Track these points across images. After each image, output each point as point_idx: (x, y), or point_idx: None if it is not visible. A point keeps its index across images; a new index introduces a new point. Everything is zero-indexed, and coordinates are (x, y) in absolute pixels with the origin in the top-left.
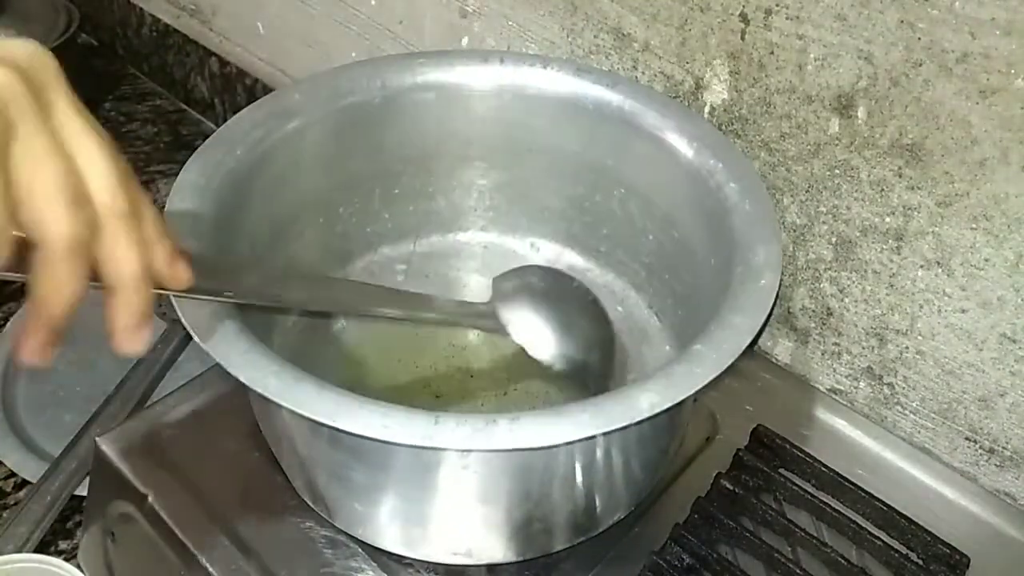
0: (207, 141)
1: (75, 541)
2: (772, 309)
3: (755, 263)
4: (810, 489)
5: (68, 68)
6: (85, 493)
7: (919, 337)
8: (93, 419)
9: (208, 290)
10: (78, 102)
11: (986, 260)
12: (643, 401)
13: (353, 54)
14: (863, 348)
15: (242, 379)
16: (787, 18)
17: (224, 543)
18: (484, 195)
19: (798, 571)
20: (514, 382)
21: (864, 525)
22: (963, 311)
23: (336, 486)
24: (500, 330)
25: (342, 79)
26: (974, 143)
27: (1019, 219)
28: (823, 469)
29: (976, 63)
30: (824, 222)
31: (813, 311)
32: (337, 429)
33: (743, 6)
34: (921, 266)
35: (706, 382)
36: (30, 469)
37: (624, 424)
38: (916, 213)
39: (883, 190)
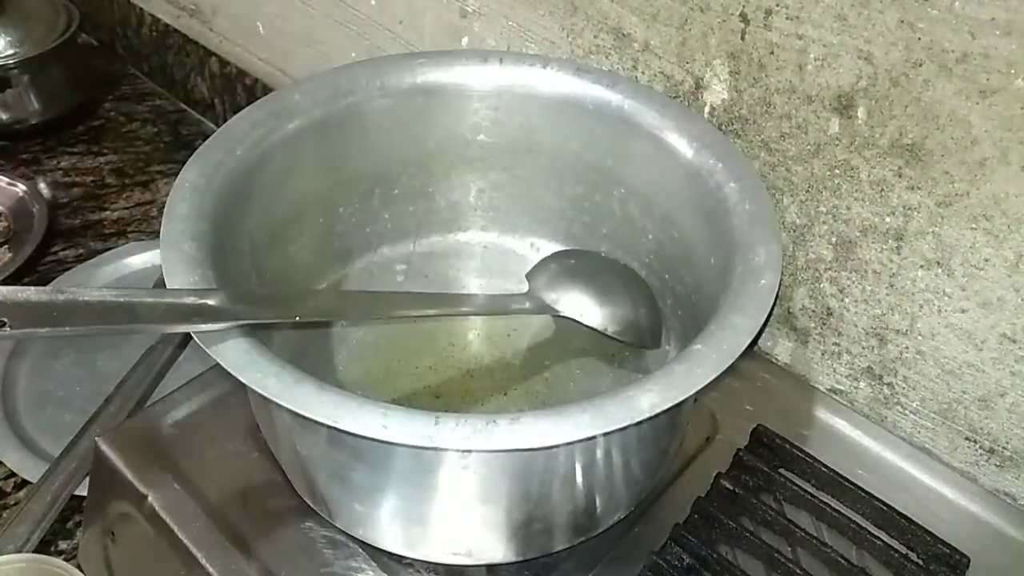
0: (207, 141)
1: (75, 541)
2: (772, 309)
3: (755, 263)
4: (810, 489)
5: (68, 68)
6: (85, 493)
7: (919, 337)
8: (93, 419)
9: (276, 317)
10: None
11: (986, 260)
12: (643, 401)
13: (353, 54)
14: (863, 348)
15: (242, 379)
16: (787, 18)
17: (224, 543)
18: (484, 195)
19: (798, 571)
20: (514, 382)
21: (864, 525)
22: (963, 311)
23: (336, 486)
24: (548, 310)
25: (342, 79)
26: (974, 143)
27: (1019, 219)
28: (823, 469)
29: (976, 63)
30: (824, 222)
31: (813, 311)
32: (337, 429)
33: (743, 6)
34: (921, 266)
35: (706, 382)
36: (30, 469)
37: (624, 424)
38: (916, 213)
39: (883, 190)
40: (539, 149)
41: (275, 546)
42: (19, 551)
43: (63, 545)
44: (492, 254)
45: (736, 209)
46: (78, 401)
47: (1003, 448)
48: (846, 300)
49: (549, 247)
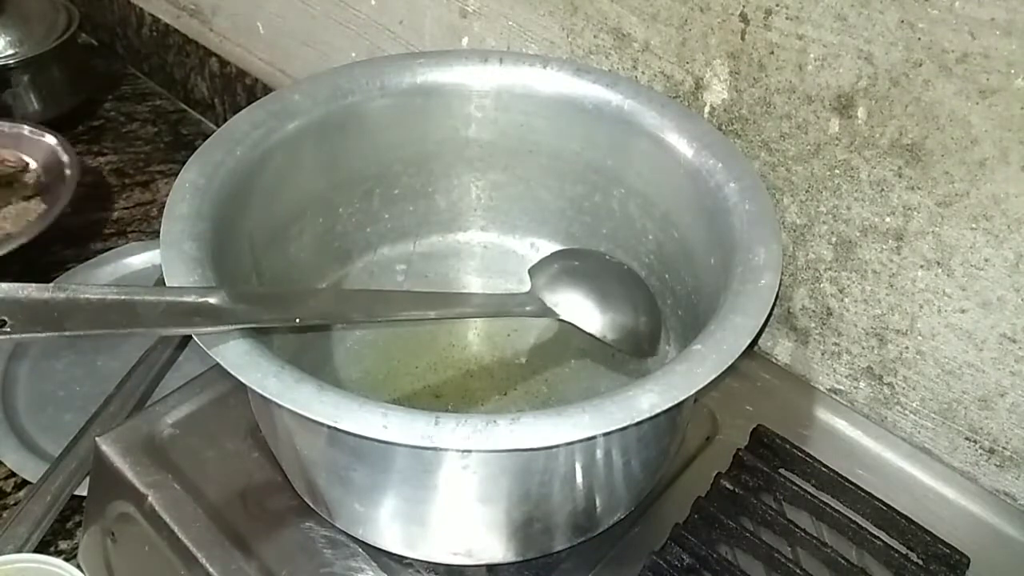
0: (207, 141)
1: (75, 541)
2: (772, 309)
3: (755, 263)
4: (810, 489)
5: (68, 68)
6: (85, 493)
7: (919, 337)
8: (93, 419)
9: (277, 319)
10: None
11: (986, 260)
12: (643, 401)
13: (353, 54)
14: (863, 348)
15: (242, 379)
16: (787, 18)
17: (224, 543)
18: (484, 195)
19: (798, 571)
20: (514, 382)
21: (864, 525)
22: (963, 311)
23: (336, 486)
24: (548, 313)
25: (342, 79)
26: (974, 143)
27: (1019, 219)
28: (823, 469)
29: (976, 63)
30: (824, 222)
31: (813, 311)
32: (337, 429)
33: (743, 6)
34: (921, 266)
35: (706, 382)
36: (30, 469)
37: (624, 424)
38: (916, 213)
39: (883, 190)
40: (539, 149)
41: (275, 546)
42: (19, 551)
43: (63, 545)
44: (492, 254)
45: (736, 209)
46: (78, 401)
47: (1003, 448)
48: (846, 300)
49: (549, 247)
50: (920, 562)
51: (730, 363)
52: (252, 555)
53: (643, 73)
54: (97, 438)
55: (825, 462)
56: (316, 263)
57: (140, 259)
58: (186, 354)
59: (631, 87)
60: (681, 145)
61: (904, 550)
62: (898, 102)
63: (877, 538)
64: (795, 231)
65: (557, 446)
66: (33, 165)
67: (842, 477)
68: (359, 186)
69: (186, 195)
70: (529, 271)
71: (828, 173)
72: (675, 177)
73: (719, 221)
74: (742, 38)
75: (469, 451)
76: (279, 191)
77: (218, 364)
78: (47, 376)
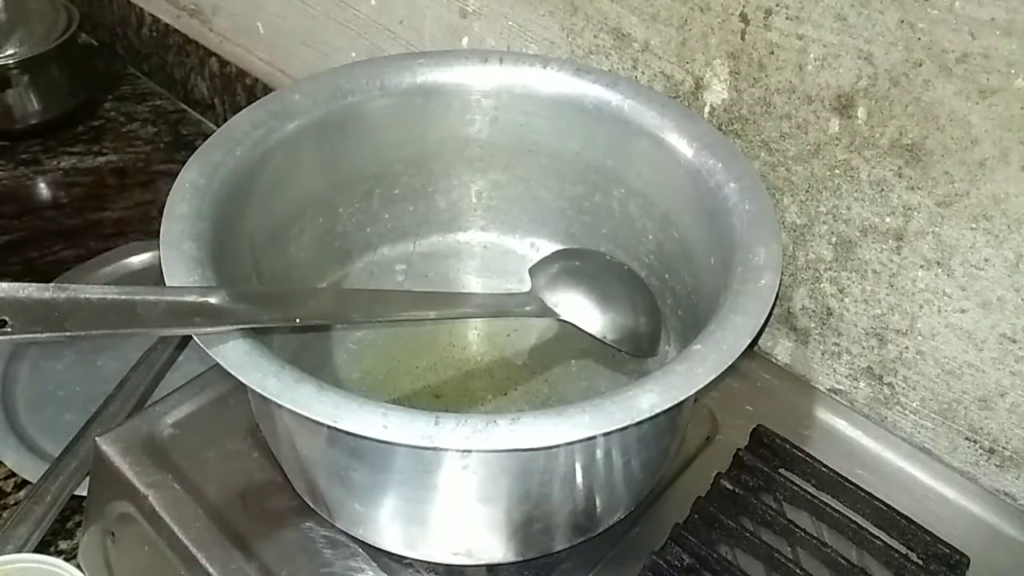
0: (207, 141)
1: (75, 541)
2: (772, 309)
3: (755, 263)
4: (810, 489)
5: (68, 68)
6: (85, 493)
7: (919, 337)
8: (93, 419)
9: (277, 319)
10: None
11: (986, 260)
12: (643, 401)
13: (353, 54)
14: (863, 348)
15: (242, 380)
16: (787, 18)
17: (224, 543)
18: (484, 195)
19: (798, 571)
20: (514, 382)
21: (864, 525)
22: (963, 311)
23: (336, 486)
24: (548, 314)
25: (342, 79)
26: (974, 143)
27: (1019, 219)
28: (823, 469)
29: (976, 63)
30: (824, 222)
31: (813, 311)
32: (337, 429)
33: (743, 6)
34: (921, 266)
35: (706, 382)
36: (30, 469)
37: (624, 424)
38: (916, 213)
39: (883, 190)
40: (539, 149)
41: (275, 546)
42: (19, 551)
43: (63, 545)
44: (492, 254)
45: (736, 209)
46: (78, 401)
47: (1003, 448)
48: (846, 300)
49: (549, 247)
50: (920, 562)
51: (730, 363)
52: (252, 555)
53: (643, 73)
54: (97, 438)
55: (825, 462)
56: (316, 263)
57: (140, 259)
58: (186, 354)
59: (631, 87)
60: (681, 145)
61: (904, 550)
62: (898, 102)
63: (877, 538)
64: (795, 231)
65: (557, 446)
66: None
67: (842, 477)
68: (359, 186)
69: (186, 195)
70: (529, 271)
71: (828, 173)
72: (675, 177)
73: (719, 221)
74: (742, 38)
75: (469, 451)
76: (279, 191)
77: (218, 364)
78: (47, 376)
